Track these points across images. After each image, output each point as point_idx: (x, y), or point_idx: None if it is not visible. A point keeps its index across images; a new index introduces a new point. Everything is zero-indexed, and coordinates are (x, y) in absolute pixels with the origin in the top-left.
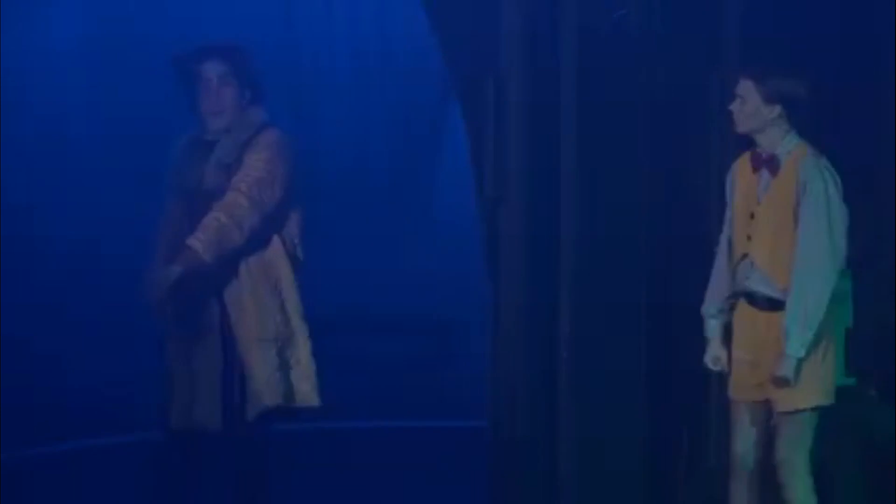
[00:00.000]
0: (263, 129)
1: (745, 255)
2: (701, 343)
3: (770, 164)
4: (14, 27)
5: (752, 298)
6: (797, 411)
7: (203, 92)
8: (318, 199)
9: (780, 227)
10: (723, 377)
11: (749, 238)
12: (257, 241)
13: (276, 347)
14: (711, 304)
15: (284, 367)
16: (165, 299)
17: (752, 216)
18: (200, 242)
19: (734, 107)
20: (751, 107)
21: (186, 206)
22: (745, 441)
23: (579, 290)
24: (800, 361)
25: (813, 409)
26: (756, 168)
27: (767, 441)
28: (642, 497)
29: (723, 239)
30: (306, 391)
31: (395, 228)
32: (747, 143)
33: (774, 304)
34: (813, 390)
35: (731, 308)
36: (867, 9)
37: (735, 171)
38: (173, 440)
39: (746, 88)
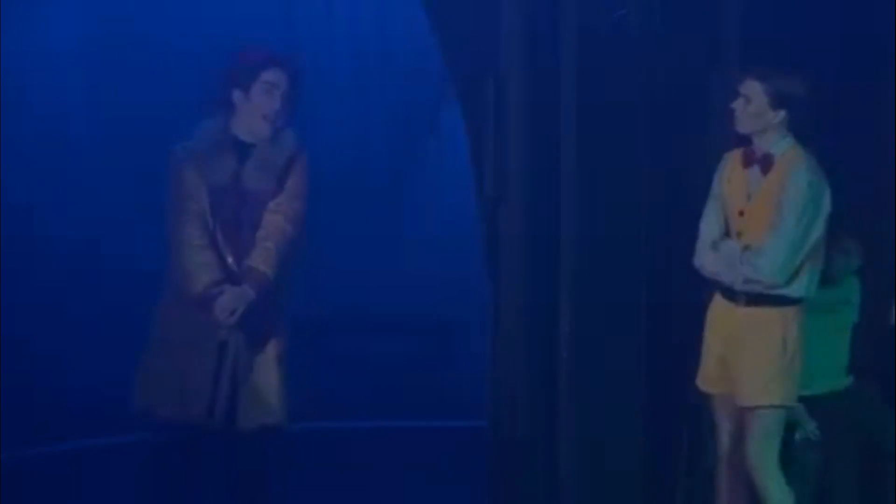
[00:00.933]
0: (300, 151)
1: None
2: (701, 343)
3: (763, 162)
4: (14, 27)
5: (732, 294)
6: (758, 407)
7: (263, 95)
8: (318, 199)
9: (768, 224)
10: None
11: (739, 235)
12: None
13: (284, 363)
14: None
15: (285, 382)
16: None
17: (742, 213)
18: (269, 268)
19: (737, 105)
20: (755, 108)
21: (211, 200)
22: (724, 431)
23: (579, 290)
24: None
25: (777, 408)
26: (747, 165)
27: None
28: (642, 497)
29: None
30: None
31: (395, 228)
32: (747, 143)
33: (752, 299)
34: (774, 389)
35: None
36: (867, 9)
37: (725, 165)
38: (173, 440)
39: (753, 89)
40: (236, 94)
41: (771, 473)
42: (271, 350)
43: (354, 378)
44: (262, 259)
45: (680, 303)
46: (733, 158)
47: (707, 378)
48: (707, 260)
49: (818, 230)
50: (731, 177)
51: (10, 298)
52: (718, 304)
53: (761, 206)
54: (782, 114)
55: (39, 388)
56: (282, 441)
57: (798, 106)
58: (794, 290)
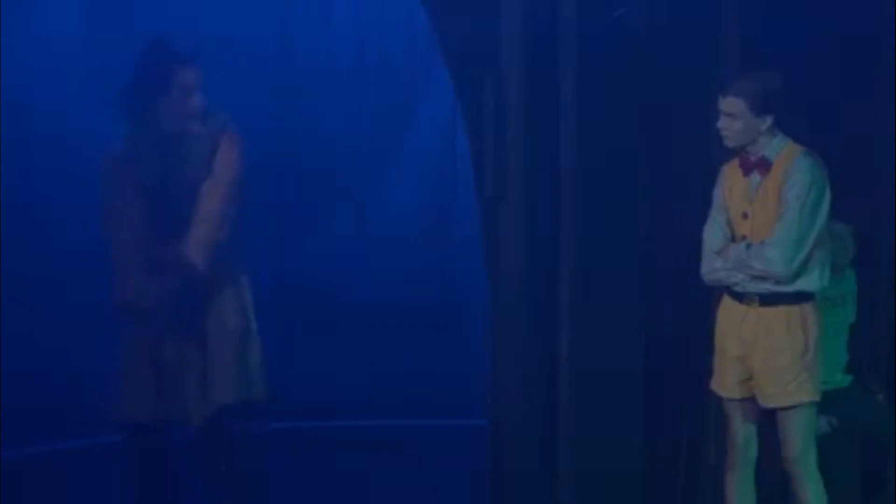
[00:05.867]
0: (227, 129)
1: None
2: (701, 343)
3: (761, 165)
4: (14, 27)
5: (744, 296)
6: (789, 408)
7: (181, 97)
8: (318, 199)
9: (773, 223)
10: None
11: (744, 238)
12: (226, 240)
13: (236, 343)
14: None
15: (243, 363)
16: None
17: (745, 216)
18: (200, 258)
19: (723, 124)
20: (743, 123)
21: (146, 199)
22: (741, 436)
23: (579, 290)
24: (790, 356)
25: (805, 406)
26: (746, 172)
27: (764, 436)
28: (641, 497)
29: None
30: (261, 387)
31: (396, 228)
32: (742, 151)
33: (766, 300)
34: (800, 387)
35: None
36: (867, 9)
37: (723, 177)
38: (147, 436)
39: (734, 106)
40: (154, 97)
41: (812, 474)
42: (216, 329)
43: (354, 377)
44: (188, 247)
45: (680, 303)
46: (732, 169)
47: (723, 383)
48: (713, 266)
49: (822, 218)
50: (732, 186)
51: (10, 298)
52: (730, 308)
53: (765, 204)
54: (770, 118)
55: (39, 387)
56: (281, 440)
57: (782, 102)
58: (807, 283)
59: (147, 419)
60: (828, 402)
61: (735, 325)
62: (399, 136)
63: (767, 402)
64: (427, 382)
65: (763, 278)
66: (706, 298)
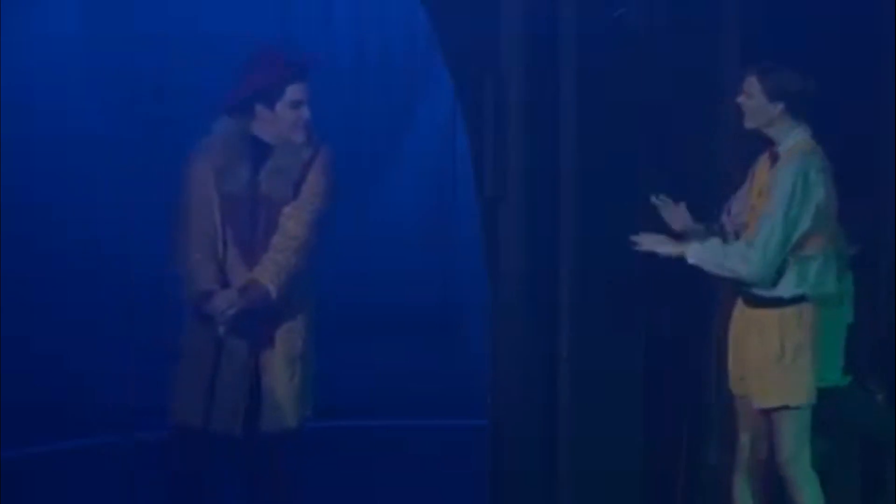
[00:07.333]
0: (321, 147)
1: None
2: (701, 343)
3: (774, 159)
4: (14, 26)
5: (737, 294)
6: (776, 409)
7: (289, 111)
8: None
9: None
10: (722, 376)
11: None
12: (303, 266)
13: (301, 367)
14: None
15: (302, 386)
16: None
17: (753, 208)
18: (273, 285)
19: (742, 101)
20: (756, 103)
21: (224, 204)
22: (744, 433)
23: (579, 290)
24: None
25: (793, 408)
26: (773, 164)
27: (767, 436)
28: (641, 497)
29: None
30: (310, 405)
31: (395, 228)
32: (748, 142)
33: (756, 301)
34: (786, 389)
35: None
36: (867, 9)
37: (756, 166)
38: (189, 440)
39: (751, 85)
40: (259, 107)
41: (807, 476)
42: (283, 353)
43: (355, 378)
44: (267, 272)
45: (680, 303)
46: (763, 159)
47: (731, 380)
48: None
49: (805, 223)
50: (759, 175)
51: (10, 298)
52: (738, 304)
53: (763, 201)
54: (780, 106)
55: (39, 387)
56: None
57: (794, 98)
58: (783, 288)
59: (197, 424)
60: (827, 402)
61: (734, 322)
62: (399, 136)
63: (757, 403)
64: (427, 382)
65: (740, 277)
66: (706, 299)
